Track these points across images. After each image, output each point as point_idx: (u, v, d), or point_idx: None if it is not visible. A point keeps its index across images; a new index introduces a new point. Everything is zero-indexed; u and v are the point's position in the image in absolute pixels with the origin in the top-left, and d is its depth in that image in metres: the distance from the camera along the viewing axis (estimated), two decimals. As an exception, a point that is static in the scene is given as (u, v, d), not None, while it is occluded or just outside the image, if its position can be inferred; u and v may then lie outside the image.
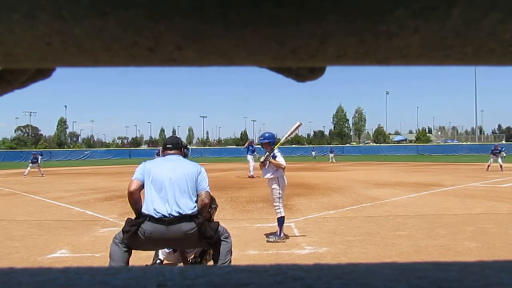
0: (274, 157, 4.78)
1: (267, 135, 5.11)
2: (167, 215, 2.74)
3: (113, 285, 0.27)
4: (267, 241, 4.63)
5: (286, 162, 4.88)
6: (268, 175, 4.86)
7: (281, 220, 4.72)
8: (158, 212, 2.74)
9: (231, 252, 3.01)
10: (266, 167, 4.87)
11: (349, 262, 0.31)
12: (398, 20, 0.17)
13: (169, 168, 2.92)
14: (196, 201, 2.91)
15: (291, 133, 4.99)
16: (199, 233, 2.81)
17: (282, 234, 4.68)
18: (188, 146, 3.43)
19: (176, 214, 2.75)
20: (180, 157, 3.14)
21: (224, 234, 3.00)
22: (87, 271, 0.30)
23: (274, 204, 4.85)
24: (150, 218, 2.74)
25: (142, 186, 2.86)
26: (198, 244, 2.96)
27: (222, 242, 2.96)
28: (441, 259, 3.27)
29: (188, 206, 2.82)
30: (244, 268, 0.30)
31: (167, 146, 3.16)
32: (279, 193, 4.82)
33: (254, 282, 0.27)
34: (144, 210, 2.80)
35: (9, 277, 0.29)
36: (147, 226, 2.74)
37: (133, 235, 2.75)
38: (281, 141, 4.90)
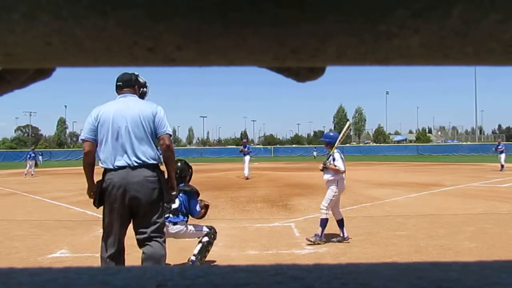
0: (334, 159, 4.71)
1: (332, 134, 5.07)
2: (126, 165, 2.58)
3: (113, 285, 0.27)
4: (307, 239, 4.59)
5: (341, 165, 4.70)
6: (328, 177, 4.77)
7: (324, 222, 4.63)
8: (117, 165, 2.58)
9: (165, 259, 2.78)
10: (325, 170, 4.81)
11: (349, 262, 0.31)
12: (398, 20, 0.17)
13: (122, 113, 2.62)
14: (157, 147, 2.70)
15: (343, 134, 4.95)
16: (159, 185, 2.63)
17: (322, 236, 4.60)
18: (147, 84, 2.97)
19: (136, 164, 2.59)
20: (134, 98, 2.76)
21: (162, 235, 2.77)
22: (87, 271, 0.30)
23: (323, 204, 4.73)
24: (110, 169, 2.60)
25: (96, 144, 2.65)
26: (158, 201, 2.66)
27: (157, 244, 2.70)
28: (441, 259, 3.28)
29: (148, 154, 2.61)
30: (244, 268, 0.30)
31: (118, 84, 2.78)
32: (334, 196, 4.71)
33: (254, 282, 0.27)
34: (103, 164, 2.63)
35: (9, 277, 0.29)
36: (107, 176, 2.60)
37: (101, 199, 2.61)
38: (335, 145, 4.81)
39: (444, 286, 0.26)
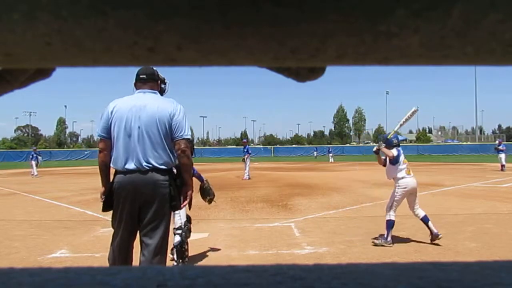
0: (389, 144, 4.56)
1: (393, 137, 4.83)
2: (136, 168, 2.44)
3: (113, 285, 0.27)
4: (373, 243, 4.46)
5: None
6: (396, 175, 4.56)
7: (390, 224, 4.49)
8: (127, 168, 2.44)
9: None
10: (383, 158, 4.65)
11: (349, 262, 0.31)
12: (398, 20, 0.17)
13: (138, 112, 2.46)
14: (172, 152, 2.53)
15: (406, 119, 4.76)
16: (169, 190, 2.47)
17: (389, 238, 4.45)
18: (166, 81, 2.86)
19: (147, 168, 2.44)
20: (153, 95, 2.58)
21: (164, 253, 2.61)
22: (87, 271, 0.30)
23: (387, 205, 4.60)
24: (120, 172, 2.48)
25: (110, 142, 2.51)
26: (166, 206, 2.50)
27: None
28: (441, 259, 3.28)
29: (160, 160, 2.46)
30: (244, 268, 0.30)
31: (141, 77, 2.58)
32: (395, 196, 4.54)
33: (254, 282, 0.27)
34: (113, 164, 2.50)
35: (9, 277, 0.29)
36: (116, 178, 2.47)
37: (109, 202, 2.48)
38: (395, 128, 4.63)
39: (444, 286, 0.26)
